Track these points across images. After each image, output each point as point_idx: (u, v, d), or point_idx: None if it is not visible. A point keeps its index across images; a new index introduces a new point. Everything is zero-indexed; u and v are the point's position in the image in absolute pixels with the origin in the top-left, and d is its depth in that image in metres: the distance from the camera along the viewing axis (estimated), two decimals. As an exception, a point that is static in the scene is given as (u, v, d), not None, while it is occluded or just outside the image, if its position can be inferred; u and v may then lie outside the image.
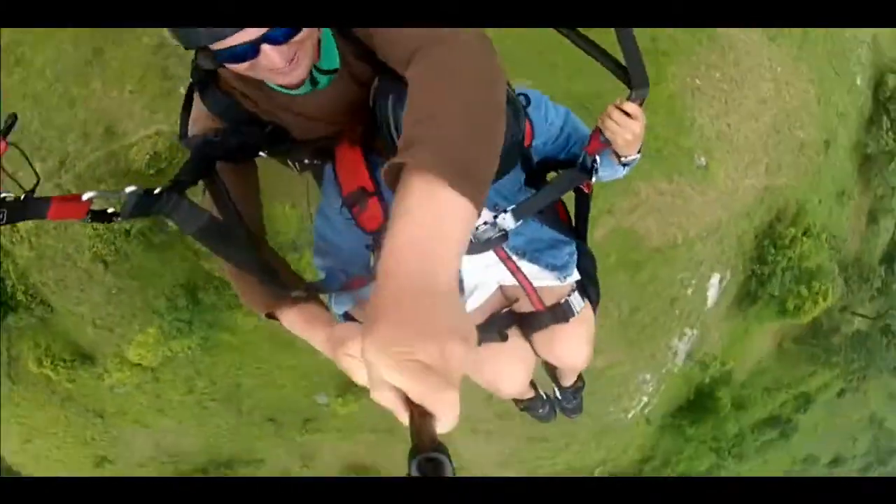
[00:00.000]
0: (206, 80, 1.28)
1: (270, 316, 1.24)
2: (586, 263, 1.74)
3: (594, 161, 1.44)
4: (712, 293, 14.68)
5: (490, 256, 1.62)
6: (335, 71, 1.25)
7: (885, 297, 19.51)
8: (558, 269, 1.66)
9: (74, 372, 12.23)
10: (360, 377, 0.89)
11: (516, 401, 2.22)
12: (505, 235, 1.40)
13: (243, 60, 1.10)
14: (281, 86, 1.24)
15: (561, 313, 1.67)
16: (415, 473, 0.53)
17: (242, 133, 1.26)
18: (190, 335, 11.10)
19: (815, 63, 14.03)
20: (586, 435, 16.65)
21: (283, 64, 1.12)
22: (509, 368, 1.70)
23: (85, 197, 1.03)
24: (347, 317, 1.37)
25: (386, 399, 0.59)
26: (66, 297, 11.87)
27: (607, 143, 1.40)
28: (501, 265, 1.64)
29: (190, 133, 1.31)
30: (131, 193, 1.05)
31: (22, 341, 12.41)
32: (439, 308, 0.58)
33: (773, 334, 18.56)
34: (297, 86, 1.23)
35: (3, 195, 0.95)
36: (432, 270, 0.60)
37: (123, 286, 11.60)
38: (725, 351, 16.75)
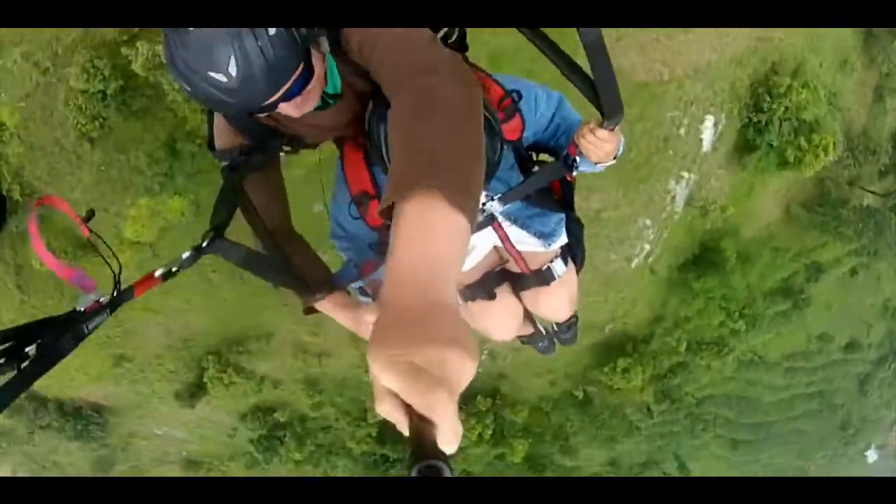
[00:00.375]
0: None
1: (309, 311, 1.47)
2: (574, 229, 1.83)
3: (574, 160, 1.50)
4: (707, 136, 14.55)
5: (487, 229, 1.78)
6: (340, 95, 1.35)
7: (895, 175, 18.87)
8: (545, 236, 1.82)
9: (78, 263, 12.42)
10: None
11: (518, 336, 2.37)
12: (492, 217, 1.59)
13: (262, 113, 1.24)
14: None
15: (543, 277, 1.90)
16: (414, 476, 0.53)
17: (265, 147, 1.40)
18: (175, 194, 11.10)
19: None
20: (594, 288, 16.23)
21: (297, 113, 1.28)
22: (498, 320, 1.96)
23: (157, 274, 1.22)
24: (363, 291, 1.57)
25: (386, 409, 0.59)
26: (59, 187, 11.88)
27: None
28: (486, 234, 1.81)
29: (217, 147, 1.46)
30: (187, 257, 1.26)
31: (24, 246, 12.47)
32: (439, 318, 0.59)
33: (779, 197, 18.07)
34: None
35: (101, 299, 1.10)
36: (434, 285, 0.61)
37: (111, 161, 11.77)
38: (728, 201, 16.28)
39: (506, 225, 1.76)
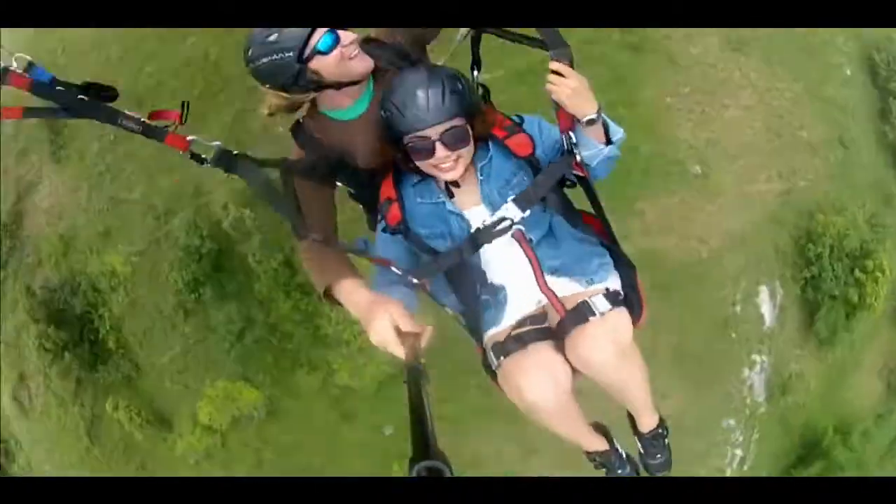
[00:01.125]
0: (297, 130, 1.78)
1: (328, 295, 1.61)
2: (623, 272, 1.79)
3: (570, 139, 1.61)
4: (766, 309, 13.25)
5: (530, 280, 1.76)
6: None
7: None
8: (586, 273, 1.75)
9: (152, 433, 12.59)
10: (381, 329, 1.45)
11: (588, 454, 1.99)
12: (511, 225, 1.62)
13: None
14: (355, 80, 1.69)
15: (580, 314, 1.67)
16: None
17: (319, 160, 1.73)
18: (253, 387, 11.46)
19: (792, 62, 13.60)
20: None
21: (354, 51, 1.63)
22: (532, 373, 1.66)
23: (189, 138, 1.49)
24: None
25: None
26: (150, 349, 12.41)
27: (558, 105, 1.57)
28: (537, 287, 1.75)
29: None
30: (217, 146, 1.53)
31: (106, 398, 12.66)
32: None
33: (877, 368, 15.40)
34: (369, 70, 1.67)
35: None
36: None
37: (201, 336, 12.04)
38: (819, 385, 14.33)
39: (550, 279, 1.75)
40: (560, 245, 1.79)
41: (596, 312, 1.66)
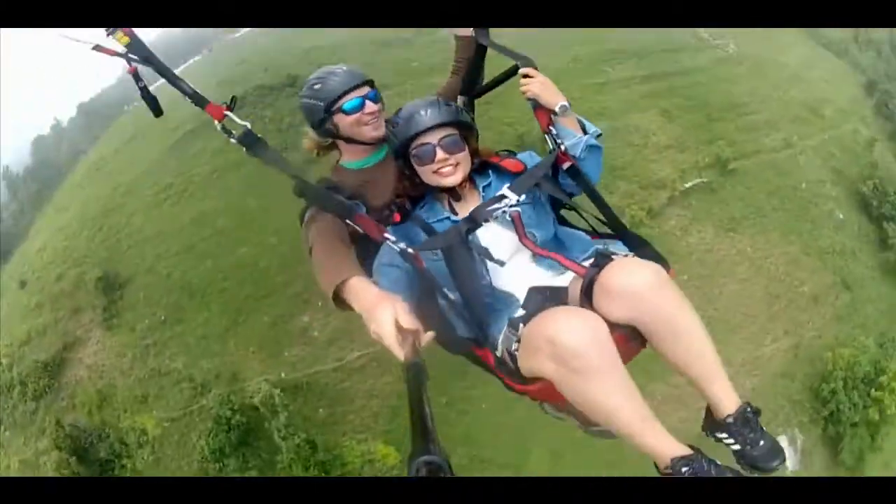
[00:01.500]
0: (321, 181, 1.99)
1: (336, 298, 1.62)
2: (640, 248, 1.75)
3: (552, 135, 1.85)
4: (791, 457, 13.01)
5: (531, 268, 1.75)
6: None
7: None
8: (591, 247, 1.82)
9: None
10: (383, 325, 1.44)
11: (664, 472, 1.34)
12: (508, 204, 1.72)
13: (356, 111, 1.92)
14: (364, 142, 1.98)
15: (603, 258, 1.56)
16: (413, 475, 0.53)
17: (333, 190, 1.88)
18: None
19: (785, 225, 13.71)
20: None
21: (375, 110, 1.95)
22: (562, 318, 1.41)
23: (225, 112, 1.67)
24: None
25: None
26: None
27: (535, 105, 1.88)
28: (549, 271, 1.73)
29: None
30: (245, 125, 1.68)
31: None
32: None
33: None
34: (377, 139, 1.96)
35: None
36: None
37: None
38: None
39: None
40: (563, 242, 1.86)
41: (618, 254, 1.60)
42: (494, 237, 1.75)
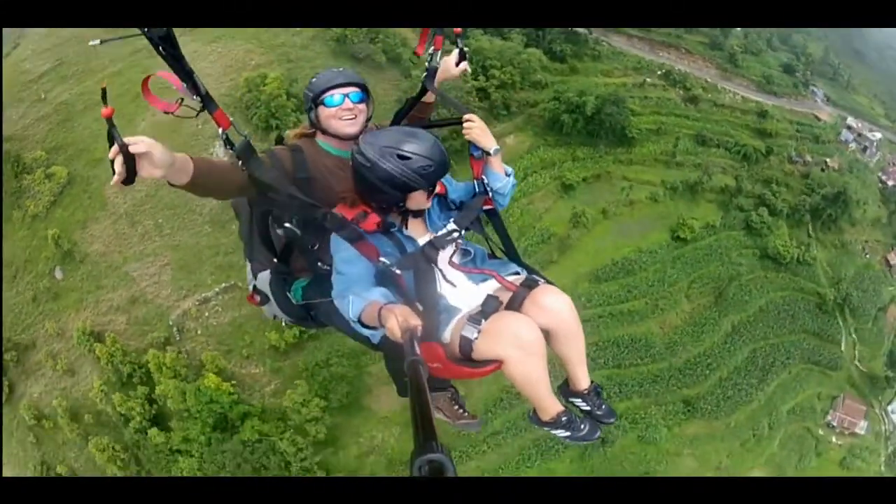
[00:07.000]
0: (297, 143, 2.25)
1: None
2: (538, 275, 2.27)
3: (482, 182, 2.25)
4: None
5: (471, 286, 2.19)
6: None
7: None
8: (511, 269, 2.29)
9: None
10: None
11: (553, 418, 2.17)
12: (458, 236, 2.17)
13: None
14: (339, 136, 2.19)
15: (531, 282, 2.15)
16: (416, 475, 0.53)
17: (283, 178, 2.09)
18: None
19: None
20: None
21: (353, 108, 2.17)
22: (520, 319, 2.00)
23: (231, 119, 1.76)
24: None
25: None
26: None
27: (471, 154, 2.24)
28: (481, 286, 2.19)
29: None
30: (246, 135, 1.84)
31: None
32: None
33: None
34: (350, 136, 2.14)
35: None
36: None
37: None
38: None
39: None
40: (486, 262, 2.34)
41: (540, 282, 2.16)
42: (442, 260, 2.17)
